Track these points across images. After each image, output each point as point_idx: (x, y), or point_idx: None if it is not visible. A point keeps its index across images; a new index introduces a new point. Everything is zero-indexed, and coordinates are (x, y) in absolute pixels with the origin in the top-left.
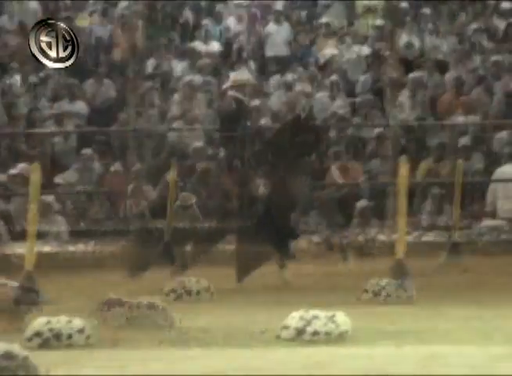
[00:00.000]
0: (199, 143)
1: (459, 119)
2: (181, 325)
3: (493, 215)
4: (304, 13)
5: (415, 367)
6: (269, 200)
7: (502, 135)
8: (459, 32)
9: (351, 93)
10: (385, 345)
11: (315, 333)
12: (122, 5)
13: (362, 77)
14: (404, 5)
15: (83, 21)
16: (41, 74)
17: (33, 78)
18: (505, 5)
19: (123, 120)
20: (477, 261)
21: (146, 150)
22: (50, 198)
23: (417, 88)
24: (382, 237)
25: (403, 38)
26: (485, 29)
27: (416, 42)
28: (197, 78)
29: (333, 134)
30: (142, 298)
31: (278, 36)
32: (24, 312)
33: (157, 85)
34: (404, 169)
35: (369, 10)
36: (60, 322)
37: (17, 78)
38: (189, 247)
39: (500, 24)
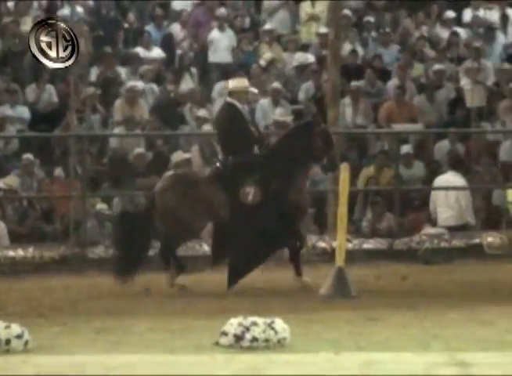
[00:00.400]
0: (140, 149)
1: (401, 127)
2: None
3: (434, 223)
4: (247, 20)
5: (353, 374)
6: (270, 206)
7: (444, 143)
8: (402, 40)
9: (293, 100)
10: (324, 352)
11: (254, 339)
12: (66, 10)
13: (304, 85)
14: (347, 12)
15: (26, 26)
16: None
17: None
18: (448, 14)
19: (65, 125)
20: (416, 268)
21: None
22: None
23: (359, 95)
24: (322, 244)
25: (346, 46)
26: (428, 37)
27: (359, 50)
28: (140, 84)
29: (274, 141)
30: None
31: (221, 43)
32: None
33: (100, 91)
34: (345, 176)
35: (313, 18)
36: None
37: None
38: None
39: (443, 33)
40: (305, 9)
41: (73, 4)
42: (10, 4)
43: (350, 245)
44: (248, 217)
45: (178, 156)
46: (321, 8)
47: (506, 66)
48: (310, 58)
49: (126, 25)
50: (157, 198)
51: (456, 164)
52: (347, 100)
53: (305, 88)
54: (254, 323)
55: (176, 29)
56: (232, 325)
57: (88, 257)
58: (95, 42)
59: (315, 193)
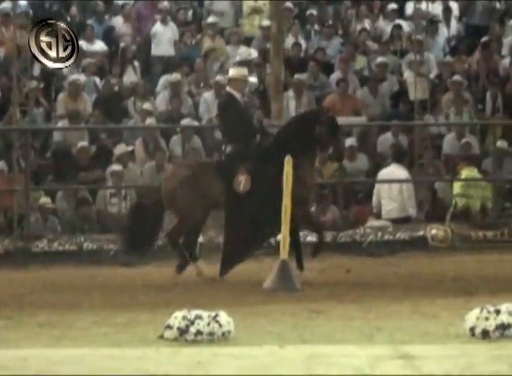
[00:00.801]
0: (83, 142)
1: (344, 120)
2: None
3: (378, 215)
4: (190, 13)
5: (298, 367)
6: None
7: (387, 136)
8: (344, 33)
9: None
10: (268, 345)
11: (198, 333)
12: (7, 3)
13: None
14: (290, 5)
15: None
16: None
17: None
18: (391, 6)
19: (8, 119)
20: (361, 261)
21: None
22: None
23: (302, 88)
24: None
25: (289, 39)
26: (371, 30)
27: (302, 43)
28: (82, 78)
29: (218, 134)
30: None
31: (164, 36)
32: None
33: (42, 84)
34: (288, 169)
35: (256, 11)
36: None
37: None
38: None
39: (386, 26)
40: (248, 2)
41: None
42: None
43: None
44: (241, 205)
45: (120, 148)
46: (264, 1)
47: (449, 59)
48: (253, 53)
49: (69, 18)
50: (163, 187)
51: (399, 156)
52: (290, 93)
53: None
54: (199, 317)
55: (119, 22)
56: (177, 318)
57: (32, 251)
58: None
59: None
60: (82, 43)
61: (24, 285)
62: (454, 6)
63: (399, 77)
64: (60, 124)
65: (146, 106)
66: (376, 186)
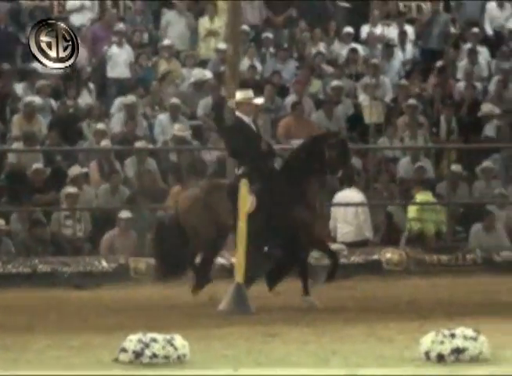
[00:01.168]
0: (38, 164)
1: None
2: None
3: (333, 239)
4: (146, 35)
5: None
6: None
7: None
8: (300, 56)
9: (192, 116)
10: (223, 369)
11: (154, 356)
12: None
13: (202, 101)
14: (246, 28)
15: None
16: None
17: None
18: (346, 30)
19: None
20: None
21: None
22: None
23: (258, 111)
24: (221, 260)
25: (245, 62)
26: (326, 54)
27: (258, 66)
28: (37, 99)
29: (173, 157)
30: None
31: (119, 58)
32: None
33: None
34: (244, 192)
35: (212, 33)
36: None
37: None
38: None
39: (341, 49)
40: (204, 24)
41: None
42: None
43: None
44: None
45: (75, 170)
46: (220, 23)
47: (404, 82)
48: (207, 74)
49: (24, 40)
50: (178, 207)
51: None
52: None
53: (204, 104)
54: (154, 340)
55: None
56: (132, 341)
57: None
58: None
59: None
60: (37, 65)
61: None
62: (409, 30)
63: (354, 101)
64: (15, 145)
65: (100, 126)
66: (332, 209)
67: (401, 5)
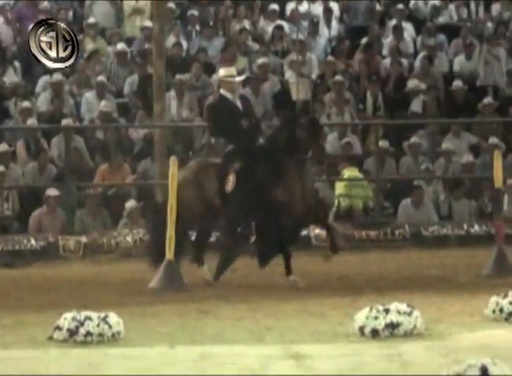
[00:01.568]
0: None
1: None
2: None
3: None
4: (70, 14)
5: (189, 368)
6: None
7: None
8: (225, 34)
9: (118, 94)
10: (158, 346)
11: (88, 334)
12: None
13: (129, 79)
14: (171, 6)
15: None
16: None
17: None
18: (272, 7)
19: None
20: (245, 261)
21: None
22: None
23: (184, 89)
24: None
25: (170, 40)
26: (252, 31)
27: (184, 44)
28: None
29: (100, 135)
30: None
31: None
32: None
33: None
34: (174, 170)
35: (137, 11)
36: None
37: None
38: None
39: (267, 26)
40: (129, 2)
41: None
42: None
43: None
44: (228, 204)
45: (1, 148)
46: (145, 1)
47: (331, 59)
48: (134, 51)
49: None
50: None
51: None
52: (172, 93)
53: (130, 82)
54: (88, 318)
55: None
56: (66, 319)
57: None
58: None
59: (143, 186)
60: None
61: None
62: (335, 7)
63: (281, 78)
64: None
65: (26, 105)
66: None
67: None
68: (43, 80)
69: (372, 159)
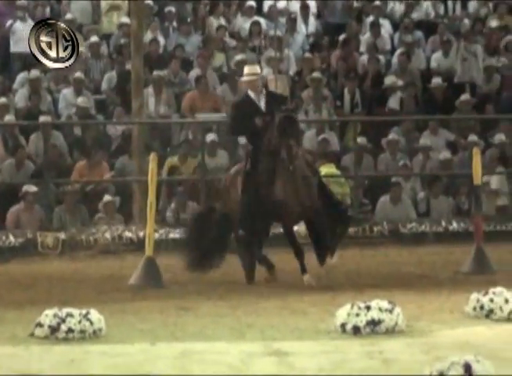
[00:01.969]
0: None
1: (204, 116)
2: None
3: None
4: (48, 10)
5: (171, 364)
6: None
7: None
8: (203, 31)
9: (96, 91)
10: (140, 343)
11: (70, 330)
12: None
13: (106, 75)
14: (149, 2)
15: None
16: None
17: None
18: (249, 3)
19: None
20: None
21: None
22: None
23: (162, 85)
24: (129, 234)
25: (147, 36)
26: (229, 27)
27: (161, 40)
28: None
29: (78, 131)
30: None
31: (23, 32)
32: None
33: None
34: (153, 166)
35: (114, 8)
36: None
37: None
38: None
39: (244, 23)
40: None
41: None
42: None
43: (156, 235)
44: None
45: None
46: None
47: (308, 55)
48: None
49: None
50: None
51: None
52: (150, 90)
53: (108, 78)
54: (70, 315)
55: None
56: (48, 316)
57: None
58: None
59: (121, 182)
60: None
61: None
62: (312, 4)
63: None
64: None
65: (4, 101)
66: None
67: None
68: (21, 76)
69: (350, 156)
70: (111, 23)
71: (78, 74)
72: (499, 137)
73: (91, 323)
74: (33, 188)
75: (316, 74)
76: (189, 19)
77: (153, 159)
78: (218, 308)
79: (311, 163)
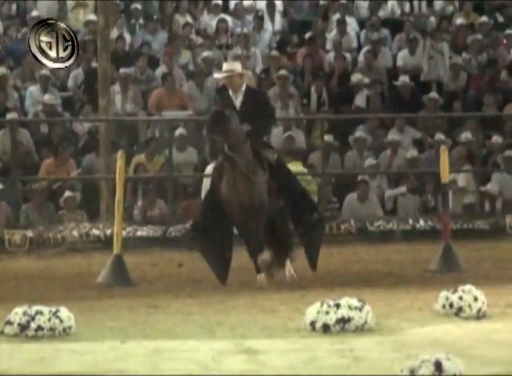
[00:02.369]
0: None
1: (171, 114)
2: None
3: None
4: (14, 7)
5: (142, 362)
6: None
7: None
8: (169, 28)
9: (63, 88)
10: (110, 341)
11: (39, 328)
12: None
13: (73, 72)
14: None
15: None
16: None
17: None
18: (215, 1)
19: None
20: (191, 256)
21: None
22: None
23: (128, 83)
24: (96, 232)
25: (113, 33)
26: (195, 24)
27: (127, 37)
28: None
29: (44, 128)
30: None
31: None
32: None
33: None
34: (121, 164)
35: (80, 5)
36: None
37: None
38: None
39: (210, 21)
40: None
41: None
42: None
43: (124, 233)
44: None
45: None
46: None
47: (275, 53)
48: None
49: None
50: None
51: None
52: (116, 87)
53: (74, 76)
54: (39, 312)
55: None
56: (17, 314)
57: None
58: None
59: (88, 180)
60: None
61: None
62: (278, 2)
63: None
64: None
65: None
66: (205, 180)
67: None
68: None
69: (317, 153)
70: (77, 20)
71: (44, 71)
72: (466, 135)
73: (61, 320)
74: None
75: (283, 72)
76: (155, 17)
77: (120, 156)
78: (188, 306)
79: (271, 161)
